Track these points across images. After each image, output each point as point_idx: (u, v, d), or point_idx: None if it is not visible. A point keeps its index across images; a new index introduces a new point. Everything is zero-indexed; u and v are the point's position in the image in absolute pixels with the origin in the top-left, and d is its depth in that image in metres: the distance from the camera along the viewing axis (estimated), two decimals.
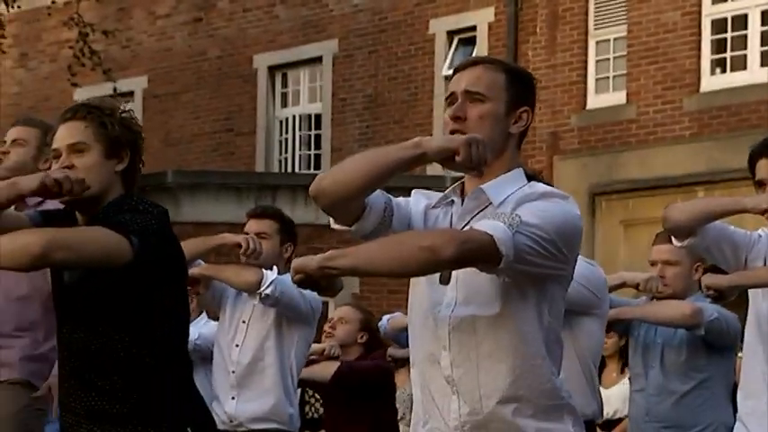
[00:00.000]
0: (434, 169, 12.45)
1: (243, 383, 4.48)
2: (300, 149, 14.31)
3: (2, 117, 16.46)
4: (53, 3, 13.60)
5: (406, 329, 5.81)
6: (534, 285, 2.44)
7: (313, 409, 6.31)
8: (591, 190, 11.47)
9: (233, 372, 4.50)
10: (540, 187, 2.49)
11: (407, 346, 5.90)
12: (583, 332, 4.04)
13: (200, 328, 5.19)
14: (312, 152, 14.21)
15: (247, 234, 4.49)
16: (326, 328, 5.54)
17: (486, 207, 2.48)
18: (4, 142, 4.12)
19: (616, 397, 6.14)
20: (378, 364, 5.41)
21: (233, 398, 4.50)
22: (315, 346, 5.31)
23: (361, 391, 5.22)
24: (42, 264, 2.61)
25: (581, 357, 4.04)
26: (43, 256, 2.55)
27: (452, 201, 2.55)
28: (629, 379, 4.87)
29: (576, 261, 2.52)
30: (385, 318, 5.70)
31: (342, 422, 5.30)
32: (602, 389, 6.01)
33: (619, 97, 11.80)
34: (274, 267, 4.45)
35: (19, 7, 13.99)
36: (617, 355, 6.20)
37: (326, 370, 5.22)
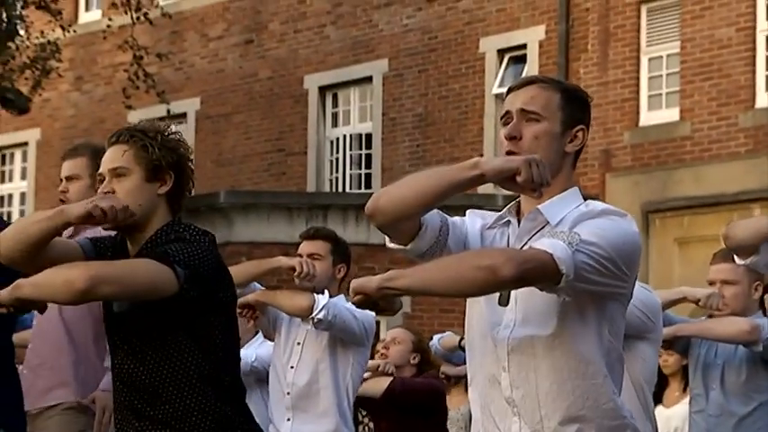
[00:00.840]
0: (486, 187, 12.39)
1: (298, 405, 4.48)
2: (351, 169, 14.35)
3: (58, 140, 16.71)
4: (108, 27, 13.81)
5: (456, 349, 5.75)
6: (593, 304, 2.42)
7: (367, 429, 6.29)
8: (644, 208, 11.35)
9: (288, 393, 4.50)
10: (599, 205, 2.48)
11: (460, 364, 5.84)
12: (637, 356, 4.00)
13: (256, 349, 5.21)
14: (363, 172, 14.24)
15: (301, 255, 4.50)
16: (380, 348, 5.53)
17: (544, 227, 2.47)
18: (62, 180, 4.16)
19: (678, 416, 6.05)
20: (431, 383, 5.40)
21: (288, 419, 4.50)
22: (368, 363, 5.29)
23: (413, 407, 5.20)
24: (87, 298, 2.62)
25: (635, 381, 4.00)
26: (87, 290, 2.56)
27: (508, 221, 2.54)
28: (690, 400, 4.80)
29: (635, 279, 2.49)
30: (436, 337, 5.68)
31: None
32: (663, 408, 5.94)
33: (672, 114, 11.68)
34: (326, 291, 4.44)
35: (74, 31, 14.22)
36: (679, 373, 6.10)
37: (378, 385, 5.22)
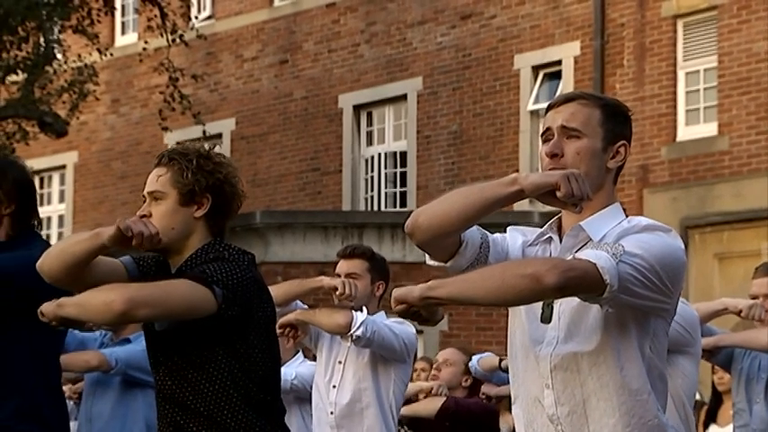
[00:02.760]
0: (521, 205, 12.34)
1: (342, 424, 4.47)
2: (386, 187, 14.35)
3: (95, 162, 16.86)
4: (144, 49, 13.94)
5: (496, 370, 5.69)
6: (636, 320, 2.40)
7: None
8: (683, 223, 11.24)
9: (331, 413, 4.50)
10: (642, 221, 2.46)
11: (500, 385, 5.77)
12: (677, 371, 3.96)
13: (296, 368, 5.21)
14: (398, 190, 14.23)
15: (338, 275, 4.49)
16: (432, 370, 5.53)
17: (586, 244, 2.45)
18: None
19: None
20: (484, 404, 5.38)
21: None
22: (422, 385, 5.28)
23: (467, 427, 5.19)
24: (125, 320, 2.69)
25: (676, 396, 3.95)
26: (124, 313, 2.60)
27: (550, 238, 2.53)
28: (733, 415, 4.73)
29: (679, 296, 2.47)
30: (475, 358, 5.64)
31: None
32: (717, 427, 5.84)
33: (710, 129, 11.58)
34: (364, 309, 4.43)
35: (111, 55, 14.36)
36: None
37: (431, 405, 5.21)
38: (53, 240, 16.65)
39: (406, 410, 4.73)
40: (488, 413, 5.35)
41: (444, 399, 5.25)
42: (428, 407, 5.20)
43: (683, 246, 2.43)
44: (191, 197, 2.79)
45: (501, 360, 5.23)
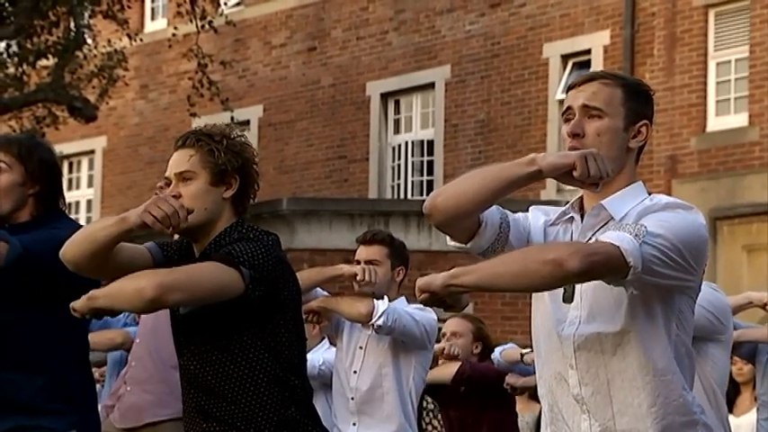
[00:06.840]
0: (548, 193, 12.30)
1: (362, 410, 4.48)
2: (413, 175, 14.34)
3: (123, 147, 16.95)
4: (173, 35, 13.98)
5: (518, 363, 5.71)
6: (660, 299, 2.39)
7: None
8: (711, 214, 11.17)
9: (352, 398, 4.51)
10: (663, 198, 2.45)
11: (524, 375, 5.77)
12: (707, 359, 3.93)
13: (323, 354, 5.22)
14: (425, 178, 14.21)
15: (358, 261, 4.49)
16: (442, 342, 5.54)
17: (607, 223, 2.44)
18: None
19: (747, 425, 5.92)
20: (498, 368, 5.39)
21: (354, 424, 4.50)
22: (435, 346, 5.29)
23: (484, 390, 5.21)
24: (157, 306, 2.66)
25: (706, 384, 3.93)
26: (156, 299, 2.59)
27: (572, 217, 2.52)
28: (758, 407, 4.71)
29: (703, 272, 2.46)
30: (497, 350, 5.64)
31: (465, 425, 5.28)
32: (732, 417, 5.81)
33: (741, 119, 11.48)
34: (385, 297, 4.44)
35: (140, 40, 14.42)
36: (752, 382, 5.96)
37: (447, 371, 5.24)
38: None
39: None
40: (503, 377, 5.37)
41: (459, 364, 5.27)
42: (444, 372, 5.23)
43: (704, 222, 2.42)
44: (221, 177, 2.78)
45: (522, 354, 5.23)
